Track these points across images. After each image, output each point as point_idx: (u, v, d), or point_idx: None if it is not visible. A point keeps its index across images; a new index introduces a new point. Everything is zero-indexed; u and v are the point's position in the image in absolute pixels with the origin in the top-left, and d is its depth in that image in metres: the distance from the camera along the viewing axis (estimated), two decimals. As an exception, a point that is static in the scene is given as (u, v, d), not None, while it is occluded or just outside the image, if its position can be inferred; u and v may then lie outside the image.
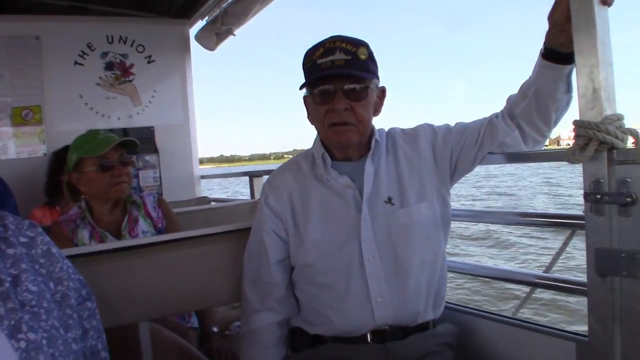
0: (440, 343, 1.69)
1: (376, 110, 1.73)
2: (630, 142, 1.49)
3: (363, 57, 1.62)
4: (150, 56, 4.65)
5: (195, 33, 4.72)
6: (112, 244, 2.01)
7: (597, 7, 1.46)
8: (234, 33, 4.28)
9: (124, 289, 1.70)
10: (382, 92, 1.75)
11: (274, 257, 1.75)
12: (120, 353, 1.77)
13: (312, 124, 1.75)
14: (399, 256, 1.64)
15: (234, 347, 2.36)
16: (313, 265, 1.69)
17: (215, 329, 2.48)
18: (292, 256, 1.75)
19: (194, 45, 4.82)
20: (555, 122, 1.65)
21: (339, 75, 1.61)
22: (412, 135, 1.77)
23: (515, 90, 1.69)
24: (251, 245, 1.82)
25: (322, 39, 1.66)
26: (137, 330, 1.80)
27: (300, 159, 1.84)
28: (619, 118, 1.46)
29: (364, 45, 1.63)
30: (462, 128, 1.74)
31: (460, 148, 1.71)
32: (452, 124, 1.78)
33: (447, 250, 1.76)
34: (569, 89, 1.60)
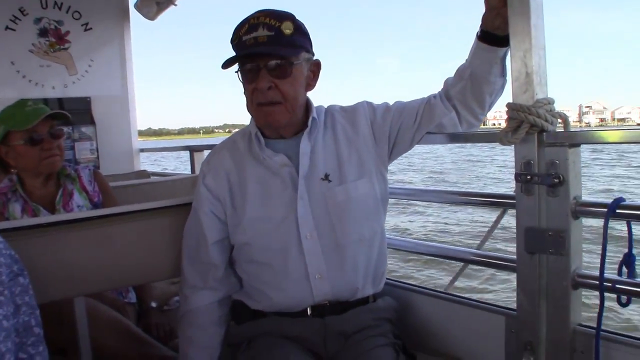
0: (379, 317, 1.73)
1: (309, 85, 1.69)
2: (559, 126, 1.55)
3: (288, 31, 1.57)
4: (87, 23, 4.49)
5: (135, 1, 4.59)
6: (45, 218, 1.96)
7: (532, -8, 1.50)
8: (175, 3, 4.18)
9: (58, 264, 1.65)
10: (316, 65, 1.71)
11: (212, 237, 1.73)
12: (55, 329, 1.74)
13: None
14: (337, 233, 1.65)
15: (173, 322, 2.35)
16: (251, 244, 1.69)
17: (153, 304, 2.46)
18: (231, 235, 1.74)
19: (134, 14, 4.69)
20: (490, 106, 1.69)
21: (262, 53, 1.57)
22: (351, 112, 1.77)
23: (448, 71, 1.72)
24: (189, 224, 1.79)
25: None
26: (72, 306, 1.77)
27: (237, 137, 1.81)
28: (550, 102, 1.51)
29: (289, 18, 1.59)
30: (400, 107, 1.75)
31: (399, 126, 1.72)
32: (391, 103, 1.79)
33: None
34: (503, 73, 1.64)
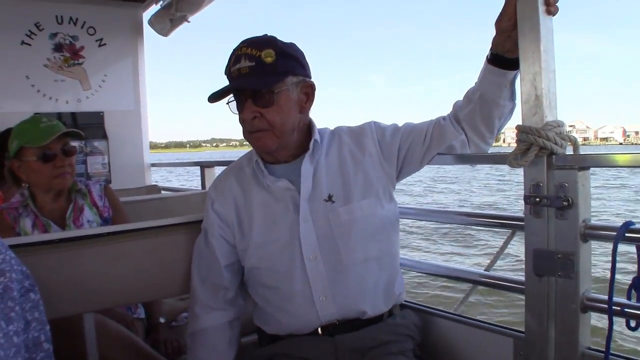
0: (397, 333, 1.72)
1: (302, 108, 1.69)
2: (569, 148, 1.56)
3: (269, 59, 1.56)
4: (101, 39, 4.55)
5: (149, 17, 4.64)
6: (57, 234, 1.97)
7: (542, 16, 1.51)
8: (189, 20, 4.23)
9: (68, 279, 1.67)
10: (309, 87, 1.69)
11: (223, 261, 1.75)
12: (64, 344, 1.75)
13: None
14: (342, 253, 1.65)
15: (181, 339, 2.35)
16: (258, 269, 1.71)
17: (162, 320, 2.47)
18: (241, 259, 1.76)
19: (147, 30, 4.74)
20: (499, 129, 1.69)
21: (239, 88, 1.61)
22: (358, 132, 1.78)
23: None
24: (200, 245, 1.81)
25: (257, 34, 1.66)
26: (82, 322, 1.78)
27: (244, 161, 1.83)
28: (559, 125, 1.52)
29: (270, 45, 1.59)
30: (409, 127, 1.76)
31: (408, 147, 1.73)
32: (400, 124, 1.80)
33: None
34: (512, 96, 1.64)
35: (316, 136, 1.71)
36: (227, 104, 1.66)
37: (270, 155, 1.71)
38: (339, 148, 1.75)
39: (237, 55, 1.59)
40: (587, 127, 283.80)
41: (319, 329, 1.67)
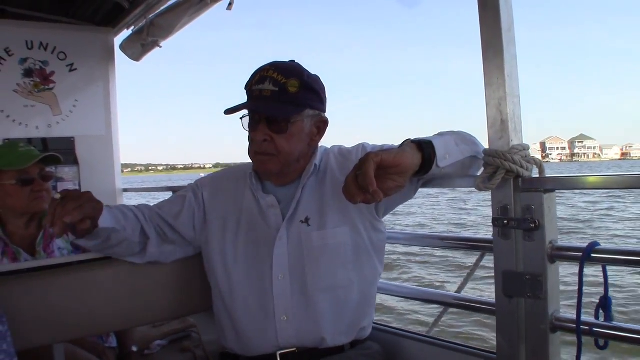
0: None
1: (312, 140, 1.72)
2: (535, 171, 1.59)
3: (293, 89, 1.60)
4: (72, 64, 4.51)
5: (120, 42, 4.62)
6: (25, 263, 1.95)
7: (506, 42, 1.55)
8: (160, 45, 4.21)
9: (38, 309, 1.64)
10: (322, 122, 1.74)
11: (167, 214, 1.82)
12: (33, 376, 1.72)
13: None
14: (308, 277, 1.66)
15: (154, 367, 2.33)
16: (226, 281, 1.73)
17: (134, 349, 2.43)
18: (208, 265, 1.80)
19: (119, 55, 4.71)
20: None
21: (257, 110, 1.64)
22: (345, 156, 1.78)
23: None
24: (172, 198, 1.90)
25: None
26: (51, 353, 1.75)
27: (244, 168, 1.85)
28: (525, 148, 1.55)
29: (297, 76, 1.62)
30: None
31: None
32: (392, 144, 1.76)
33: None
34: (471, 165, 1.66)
35: (316, 160, 1.74)
36: (241, 118, 1.69)
37: (267, 178, 1.75)
38: (324, 172, 1.76)
39: (262, 76, 1.62)
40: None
41: (278, 357, 1.67)
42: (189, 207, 1.82)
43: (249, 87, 1.65)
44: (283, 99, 1.60)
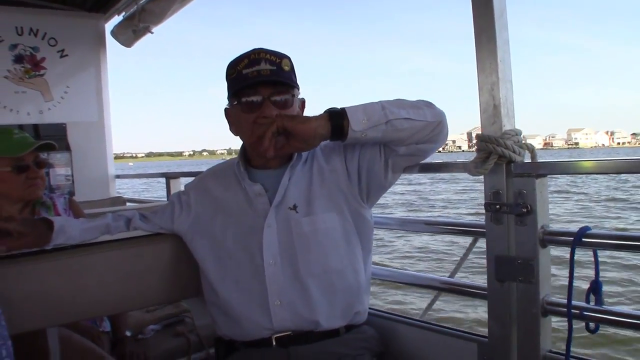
0: (356, 348, 1.72)
1: None
2: (527, 156, 1.60)
3: (287, 68, 1.66)
4: (63, 50, 4.48)
5: (111, 28, 4.59)
6: (18, 248, 1.95)
7: (498, 28, 1.55)
8: (152, 31, 4.19)
9: (31, 294, 1.64)
10: (303, 103, 1.78)
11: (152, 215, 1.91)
12: (28, 359, 1.73)
13: (236, 134, 1.76)
14: (300, 263, 1.67)
15: (148, 351, 2.33)
16: (217, 270, 1.74)
17: (128, 333, 2.43)
18: (198, 256, 1.80)
19: (111, 41, 4.69)
20: (431, 139, 1.63)
21: (265, 84, 1.63)
22: (330, 146, 1.78)
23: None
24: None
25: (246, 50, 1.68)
26: (45, 336, 1.75)
27: (227, 164, 1.89)
28: (517, 133, 1.56)
29: (287, 57, 1.68)
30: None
31: (367, 164, 1.71)
32: None
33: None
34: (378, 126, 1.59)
35: None
36: (227, 107, 1.74)
37: (268, 160, 1.73)
38: (311, 161, 1.77)
39: (253, 59, 1.63)
40: None
41: (273, 340, 1.67)
42: (169, 207, 1.89)
43: (236, 73, 1.65)
44: (282, 77, 1.64)
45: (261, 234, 1.68)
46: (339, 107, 1.59)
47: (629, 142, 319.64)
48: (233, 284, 1.71)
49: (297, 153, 1.73)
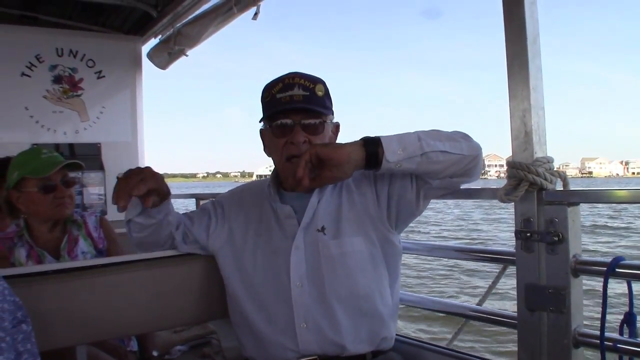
0: None
1: None
2: (559, 184, 1.58)
3: (320, 93, 1.68)
4: (100, 71, 4.58)
5: (147, 51, 4.68)
6: (50, 265, 1.97)
7: (531, 54, 1.54)
8: (187, 53, 4.26)
9: (61, 311, 1.66)
10: (337, 127, 1.80)
11: (189, 216, 1.89)
12: (55, 377, 1.74)
13: (269, 156, 1.80)
14: (326, 285, 1.66)
15: (174, 372, 2.34)
16: (244, 289, 1.74)
17: (155, 353, 2.44)
18: (225, 274, 1.80)
19: (145, 62, 4.78)
20: (466, 172, 1.62)
21: (297, 110, 1.66)
22: (360, 170, 1.74)
23: None
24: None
25: (281, 74, 1.71)
26: (74, 354, 1.77)
27: (261, 183, 1.90)
28: (549, 161, 1.54)
29: (321, 82, 1.70)
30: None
31: (399, 192, 1.70)
32: None
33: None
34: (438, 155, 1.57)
35: None
36: (269, 127, 1.71)
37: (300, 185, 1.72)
38: (341, 184, 1.77)
39: (287, 84, 1.66)
40: None
41: None
42: (205, 215, 1.87)
43: (270, 97, 1.68)
44: (314, 102, 1.66)
45: (289, 255, 1.68)
46: (372, 135, 1.59)
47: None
48: (259, 305, 1.71)
49: None
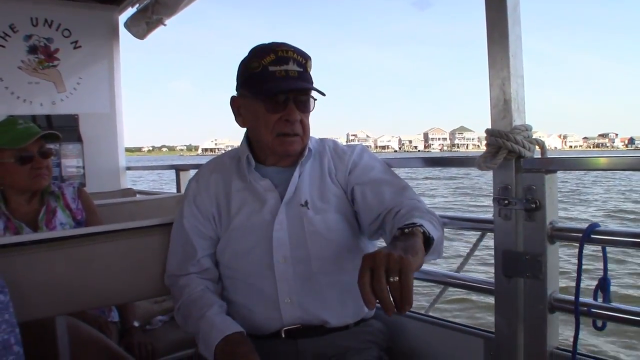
0: (364, 341, 1.72)
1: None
2: (537, 151, 1.59)
3: (309, 69, 1.67)
4: (76, 41, 4.50)
5: (124, 20, 4.61)
6: (28, 235, 1.96)
7: (511, 22, 1.54)
8: (165, 23, 4.21)
9: (40, 282, 1.65)
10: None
11: (201, 252, 1.73)
12: (35, 347, 1.73)
13: (243, 126, 1.75)
14: (312, 260, 1.65)
15: (155, 342, 2.34)
16: (227, 265, 1.72)
17: (136, 324, 2.45)
18: (217, 252, 1.76)
19: (123, 33, 4.70)
20: None
21: (304, 88, 1.63)
22: (340, 154, 1.77)
23: None
24: (175, 235, 1.79)
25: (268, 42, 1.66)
26: (53, 325, 1.76)
27: (226, 159, 1.84)
28: (527, 128, 1.55)
29: (310, 58, 1.68)
30: (377, 188, 1.65)
31: (360, 205, 1.67)
32: (383, 165, 1.75)
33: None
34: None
35: (310, 145, 1.73)
36: (260, 101, 1.62)
37: (283, 159, 1.72)
38: (322, 160, 1.75)
39: (282, 57, 1.61)
40: (368, 136, 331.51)
41: (282, 333, 1.66)
42: (204, 231, 1.76)
43: (261, 67, 1.62)
44: (307, 79, 1.63)
45: (271, 230, 1.66)
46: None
47: (580, 146, 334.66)
48: (243, 281, 1.70)
49: (308, 151, 1.71)
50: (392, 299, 1.10)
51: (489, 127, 1.60)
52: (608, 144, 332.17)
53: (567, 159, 1.56)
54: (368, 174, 1.69)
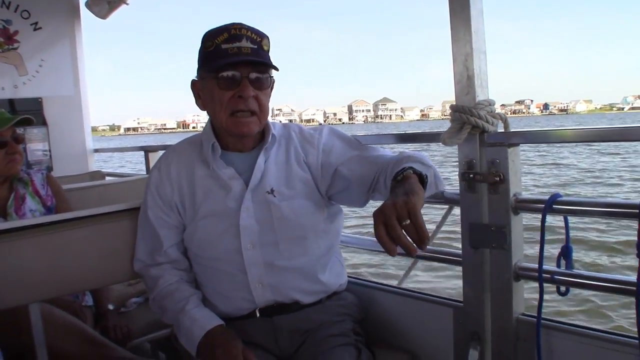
0: (338, 313, 1.76)
1: (268, 101, 1.72)
2: (501, 126, 1.63)
3: (266, 48, 1.63)
4: (36, 23, 4.40)
5: (85, 0, 4.52)
6: (-2, 224, 1.95)
7: (472, -1, 1.56)
8: (127, 2, 4.14)
9: (12, 270, 1.64)
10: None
11: (167, 243, 1.74)
12: (10, 335, 1.74)
13: (203, 109, 1.72)
14: (279, 244, 1.66)
15: (130, 324, 2.34)
16: (196, 253, 1.73)
17: (110, 307, 2.44)
18: (185, 239, 1.76)
19: (85, 13, 4.61)
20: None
21: (245, 63, 1.60)
22: (308, 137, 1.77)
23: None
24: (142, 226, 1.79)
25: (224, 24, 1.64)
26: (27, 312, 1.76)
27: (186, 145, 1.82)
28: (490, 103, 1.59)
29: (267, 37, 1.65)
30: (358, 160, 1.67)
31: (350, 180, 1.66)
32: (356, 139, 1.77)
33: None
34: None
35: (273, 130, 1.72)
36: (214, 79, 1.60)
37: (241, 142, 1.70)
38: (288, 146, 1.75)
39: (234, 35, 1.59)
40: (293, 110, 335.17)
41: (257, 312, 1.70)
42: (168, 221, 1.75)
43: (214, 46, 1.61)
44: (260, 56, 1.60)
45: (237, 217, 1.66)
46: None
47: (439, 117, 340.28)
48: (213, 268, 1.71)
49: (272, 137, 1.71)
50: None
51: (454, 102, 1.63)
52: (524, 110, 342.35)
53: (529, 132, 1.60)
54: (349, 152, 1.71)
